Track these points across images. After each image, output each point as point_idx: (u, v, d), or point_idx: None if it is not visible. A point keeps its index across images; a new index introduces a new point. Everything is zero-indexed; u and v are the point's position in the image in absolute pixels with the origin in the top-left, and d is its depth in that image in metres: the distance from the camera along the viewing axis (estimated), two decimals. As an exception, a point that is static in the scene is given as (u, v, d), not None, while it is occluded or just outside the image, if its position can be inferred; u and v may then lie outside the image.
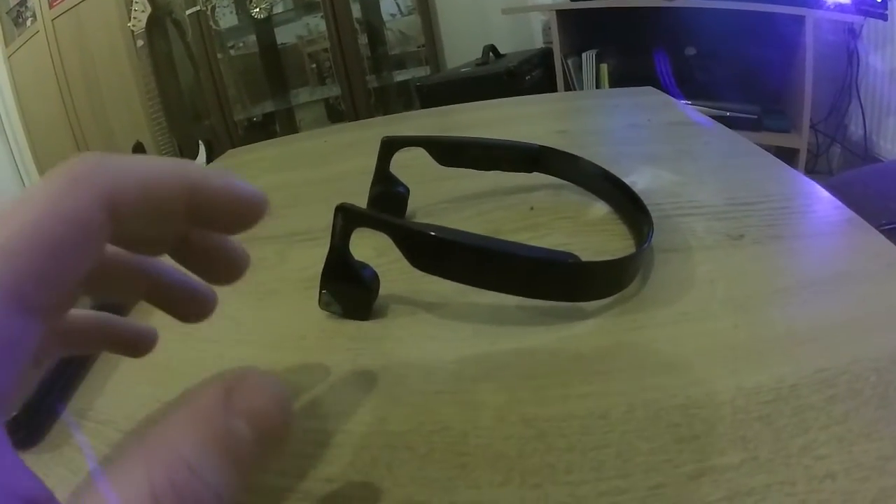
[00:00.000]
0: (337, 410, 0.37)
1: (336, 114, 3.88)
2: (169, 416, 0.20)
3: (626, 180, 0.58)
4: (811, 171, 2.96)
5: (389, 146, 0.61)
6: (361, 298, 0.45)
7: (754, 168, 0.65)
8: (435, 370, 0.38)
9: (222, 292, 0.37)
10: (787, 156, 2.63)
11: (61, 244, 0.21)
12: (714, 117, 2.30)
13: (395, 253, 0.40)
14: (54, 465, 0.37)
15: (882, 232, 0.48)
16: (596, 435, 0.31)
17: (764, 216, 0.52)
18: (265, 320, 0.50)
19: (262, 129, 4.02)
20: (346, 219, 0.41)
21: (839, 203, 0.54)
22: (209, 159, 3.52)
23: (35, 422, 0.40)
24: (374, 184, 0.61)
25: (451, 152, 0.61)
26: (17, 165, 4.90)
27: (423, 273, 0.40)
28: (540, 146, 0.61)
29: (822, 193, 0.57)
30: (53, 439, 0.39)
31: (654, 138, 0.83)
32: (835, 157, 3.05)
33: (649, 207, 0.52)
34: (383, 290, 0.47)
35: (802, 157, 2.58)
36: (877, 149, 2.76)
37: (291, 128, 4.04)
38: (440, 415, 0.34)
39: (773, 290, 0.41)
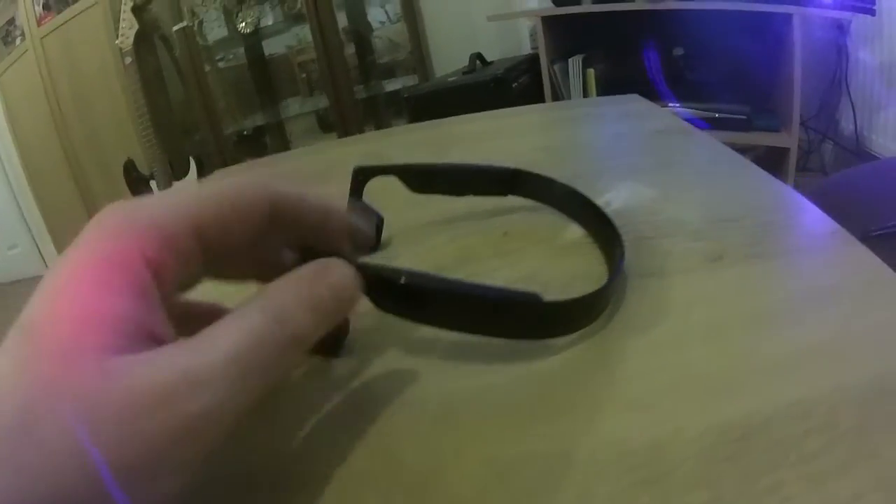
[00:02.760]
0: (296, 447, 0.36)
1: (327, 124, 3.89)
2: (282, 280, 0.31)
3: (606, 197, 0.58)
4: (803, 169, 2.97)
5: (361, 175, 0.60)
6: (330, 338, 0.44)
7: (737, 179, 0.65)
8: (397, 407, 0.38)
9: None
10: (778, 154, 2.63)
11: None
12: (703, 119, 2.30)
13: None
14: None
15: (870, 239, 0.47)
16: (555, 477, 0.30)
17: (744, 233, 0.51)
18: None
19: (253, 143, 4.03)
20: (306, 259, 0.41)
21: (823, 215, 0.53)
22: (200, 176, 3.53)
23: None
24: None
25: (423, 179, 0.60)
26: (9, 183, 4.90)
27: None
28: (514, 169, 0.60)
29: (806, 205, 0.56)
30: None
31: (636, 150, 0.82)
32: (827, 153, 3.06)
33: (627, 228, 0.51)
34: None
35: (793, 155, 2.58)
36: (868, 143, 2.77)
37: (282, 140, 4.05)
38: (401, 454, 0.34)
39: (751, 315, 0.40)
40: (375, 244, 0.52)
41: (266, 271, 0.35)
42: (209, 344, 0.26)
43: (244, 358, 0.26)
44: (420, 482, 0.32)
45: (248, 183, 0.33)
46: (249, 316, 0.28)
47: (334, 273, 0.33)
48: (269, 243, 0.36)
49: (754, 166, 0.66)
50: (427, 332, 0.40)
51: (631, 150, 0.82)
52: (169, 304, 0.29)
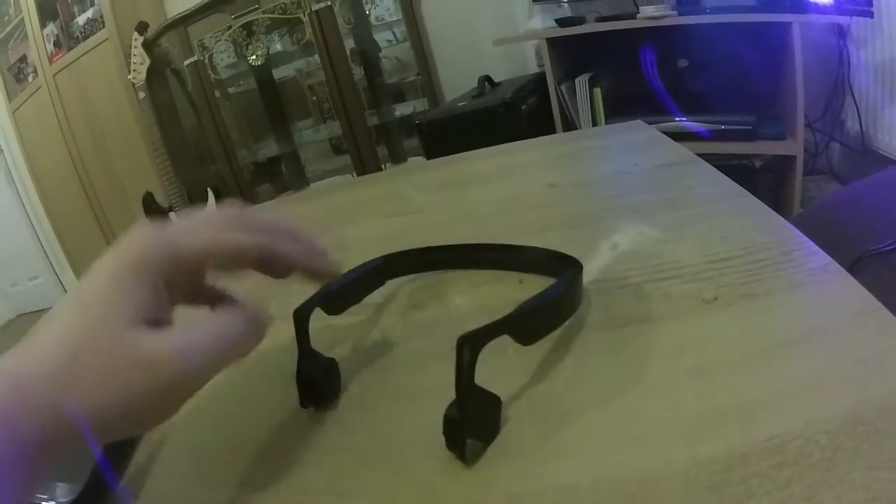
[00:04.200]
0: (343, 487, 0.42)
1: (340, 149, 3.90)
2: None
3: (614, 240, 0.63)
4: (811, 172, 2.99)
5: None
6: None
7: (735, 215, 0.68)
8: (435, 450, 0.42)
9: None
10: (785, 159, 2.66)
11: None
12: (709, 130, 2.32)
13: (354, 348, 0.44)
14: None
15: (865, 258, 0.50)
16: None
17: (739, 273, 0.55)
18: (284, 403, 0.54)
19: (268, 170, 4.04)
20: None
21: (815, 248, 0.57)
22: (218, 206, 3.55)
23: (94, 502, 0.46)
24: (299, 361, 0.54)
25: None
26: (28, 216, 4.96)
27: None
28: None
29: (800, 239, 0.59)
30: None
31: (639, 187, 0.86)
32: (834, 154, 3.08)
33: (633, 273, 0.57)
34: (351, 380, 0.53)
35: (799, 161, 2.60)
36: (874, 142, 2.78)
37: (297, 166, 4.07)
38: (440, 492, 0.39)
39: (739, 356, 0.44)
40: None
41: None
42: (193, 330, 0.40)
43: (209, 345, 0.40)
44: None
45: (243, 237, 0.44)
46: (219, 319, 0.42)
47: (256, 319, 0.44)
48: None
49: (752, 198, 0.71)
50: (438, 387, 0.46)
51: (635, 188, 0.86)
52: (193, 292, 0.45)
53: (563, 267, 0.56)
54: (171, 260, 0.41)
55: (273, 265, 0.46)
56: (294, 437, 0.48)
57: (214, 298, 0.47)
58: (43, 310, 5.21)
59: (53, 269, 5.19)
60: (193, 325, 0.40)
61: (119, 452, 0.49)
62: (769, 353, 0.44)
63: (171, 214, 3.59)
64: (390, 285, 0.68)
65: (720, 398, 0.41)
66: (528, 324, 0.47)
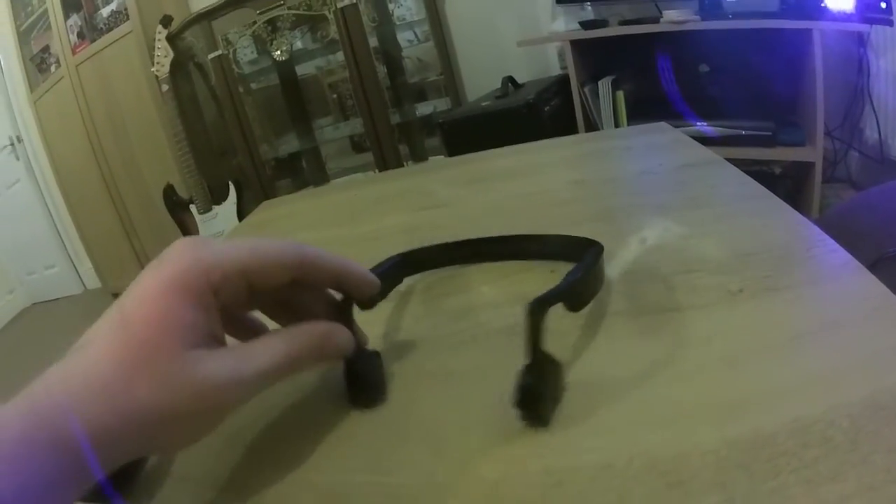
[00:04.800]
0: (382, 465, 0.43)
1: (360, 147, 3.93)
2: (303, 327, 0.45)
3: (642, 234, 0.64)
4: (830, 180, 2.99)
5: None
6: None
7: (758, 213, 0.70)
8: (471, 428, 0.44)
9: None
10: (804, 167, 2.67)
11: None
12: (729, 136, 2.34)
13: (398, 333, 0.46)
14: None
15: (885, 259, 0.52)
16: (603, 482, 0.37)
17: (763, 267, 0.57)
18: (312, 380, 0.56)
19: (290, 165, 4.08)
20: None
21: (836, 246, 0.58)
22: (239, 199, 3.57)
23: (121, 479, 0.45)
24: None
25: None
26: (46, 205, 5.00)
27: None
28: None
29: (821, 237, 0.61)
30: (139, 497, 0.45)
31: (664, 186, 0.88)
32: (853, 162, 3.08)
33: (660, 264, 0.58)
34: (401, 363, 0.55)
35: (818, 168, 2.61)
36: (893, 151, 2.79)
37: (318, 162, 4.08)
38: (477, 467, 0.41)
39: (765, 345, 0.46)
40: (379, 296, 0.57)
41: (298, 313, 0.49)
42: (250, 356, 0.40)
43: (266, 373, 0.40)
44: (492, 488, 0.39)
45: (282, 244, 0.45)
46: (275, 346, 0.42)
47: (334, 337, 0.47)
48: (300, 291, 0.49)
49: (775, 198, 0.72)
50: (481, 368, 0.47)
51: (660, 187, 0.88)
52: (232, 318, 0.46)
53: (584, 250, 0.58)
54: (216, 272, 0.40)
55: (313, 274, 0.47)
56: (331, 419, 0.49)
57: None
58: (58, 299, 5.26)
59: (70, 258, 5.23)
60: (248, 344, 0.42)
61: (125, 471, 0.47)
62: (792, 343, 0.46)
63: (192, 207, 3.61)
64: (415, 278, 0.70)
65: (746, 384, 0.42)
66: (579, 290, 0.51)
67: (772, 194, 0.73)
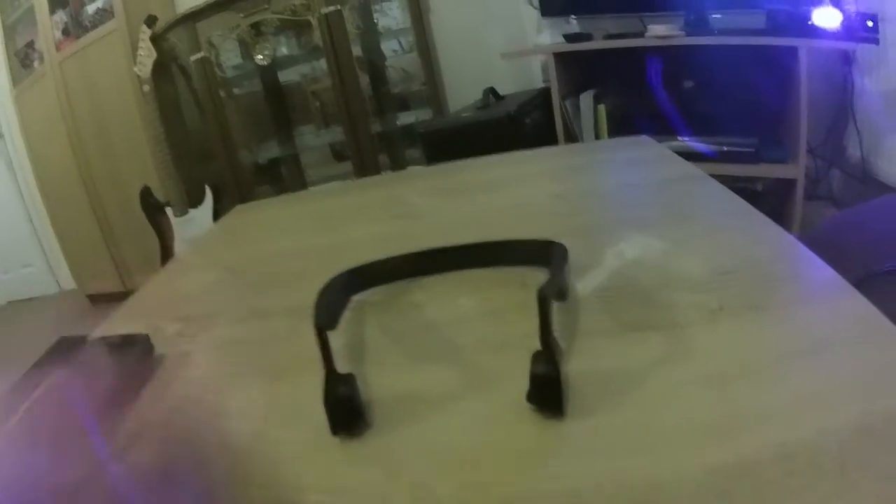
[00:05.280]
0: (340, 487, 0.41)
1: (341, 155, 3.89)
2: None
3: (620, 247, 0.63)
4: (811, 198, 2.99)
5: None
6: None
7: (741, 229, 0.68)
8: (429, 453, 0.42)
9: (238, 365, 0.42)
10: (786, 184, 2.66)
11: None
12: (713, 152, 2.33)
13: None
14: None
15: (872, 278, 0.50)
16: (566, 513, 0.35)
17: (744, 285, 0.55)
18: (280, 400, 0.54)
19: (269, 172, 4.03)
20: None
21: (822, 263, 0.57)
22: (216, 203, 3.55)
23: None
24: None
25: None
26: (24, 202, 4.95)
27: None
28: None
29: (806, 254, 0.59)
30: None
31: (646, 200, 0.86)
32: (834, 180, 3.08)
33: (638, 281, 0.56)
34: (376, 384, 0.52)
35: (800, 185, 2.60)
36: (875, 170, 2.79)
37: (297, 170, 4.06)
38: (435, 492, 0.39)
39: (746, 366, 0.44)
40: None
41: None
42: None
43: None
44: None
45: None
46: None
47: None
48: None
49: (759, 214, 0.71)
50: (448, 392, 0.45)
51: (642, 200, 0.86)
52: None
53: (547, 251, 0.59)
54: None
55: None
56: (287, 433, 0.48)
57: None
58: (33, 298, 5.22)
59: (47, 257, 5.17)
60: None
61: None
62: (776, 364, 0.44)
63: (168, 210, 3.58)
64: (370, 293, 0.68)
65: (728, 406, 0.40)
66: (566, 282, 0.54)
67: (756, 210, 0.72)
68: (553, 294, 0.43)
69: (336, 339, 0.50)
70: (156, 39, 3.55)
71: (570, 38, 3.04)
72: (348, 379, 0.48)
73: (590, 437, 0.40)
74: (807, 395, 0.40)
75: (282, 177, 4.10)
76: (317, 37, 3.33)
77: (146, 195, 3.64)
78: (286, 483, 0.43)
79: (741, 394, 0.41)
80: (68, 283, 5.07)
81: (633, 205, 0.85)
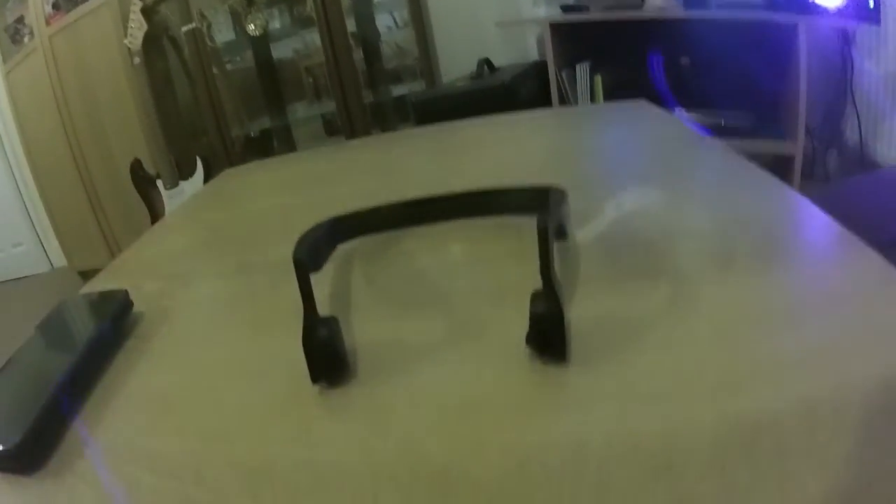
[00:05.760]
0: (325, 441, 0.38)
1: (332, 129, 3.88)
2: None
3: (618, 199, 0.59)
4: (807, 177, 2.97)
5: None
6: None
7: (747, 186, 0.65)
8: (420, 403, 0.39)
9: (218, 319, 0.38)
10: (783, 162, 2.64)
11: None
12: (709, 126, 2.31)
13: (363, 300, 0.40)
14: (56, 493, 0.38)
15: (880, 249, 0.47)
16: (575, 465, 0.32)
17: (754, 238, 0.52)
18: (259, 352, 0.51)
19: (260, 145, 4.01)
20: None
21: (830, 220, 0.54)
22: (206, 176, 3.52)
23: (37, 449, 0.41)
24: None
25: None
26: (15, 180, 4.92)
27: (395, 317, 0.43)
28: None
29: (814, 211, 0.56)
30: (54, 466, 0.40)
31: (645, 156, 0.83)
32: (831, 161, 3.06)
33: (639, 231, 0.53)
34: (361, 331, 0.49)
35: (798, 163, 2.59)
36: (872, 153, 2.77)
37: (288, 143, 4.04)
38: (424, 446, 0.35)
39: (760, 316, 0.41)
40: None
41: None
42: None
43: None
44: (442, 472, 0.33)
45: None
46: None
47: None
48: None
49: (763, 172, 0.67)
50: (442, 338, 0.42)
51: (640, 156, 0.83)
52: None
53: (547, 198, 0.55)
54: None
55: None
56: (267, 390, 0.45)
57: None
58: (25, 277, 5.19)
59: (38, 236, 5.15)
60: None
61: (68, 399, 0.46)
62: (791, 316, 0.41)
63: (159, 182, 3.55)
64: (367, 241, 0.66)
65: (743, 356, 0.37)
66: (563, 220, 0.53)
67: (760, 168, 0.69)
68: (553, 227, 0.40)
69: (319, 286, 0.46)
70: (147, 11, 3.50)
71: (566, 8, 3.02)
72: (330, 322, 0.45)
73: (596, 384, 0.37)
74: (826, 348, 0.37)
75: (273, 150, 4.08)
76: (310, 7, 3.30)
77: (136, 168, 3.61)
78: (262, 437, 0.40)
79: (755, 344, 0.38)
80: (60, 260, 5.05)
81: (634, 160, 0.82)
